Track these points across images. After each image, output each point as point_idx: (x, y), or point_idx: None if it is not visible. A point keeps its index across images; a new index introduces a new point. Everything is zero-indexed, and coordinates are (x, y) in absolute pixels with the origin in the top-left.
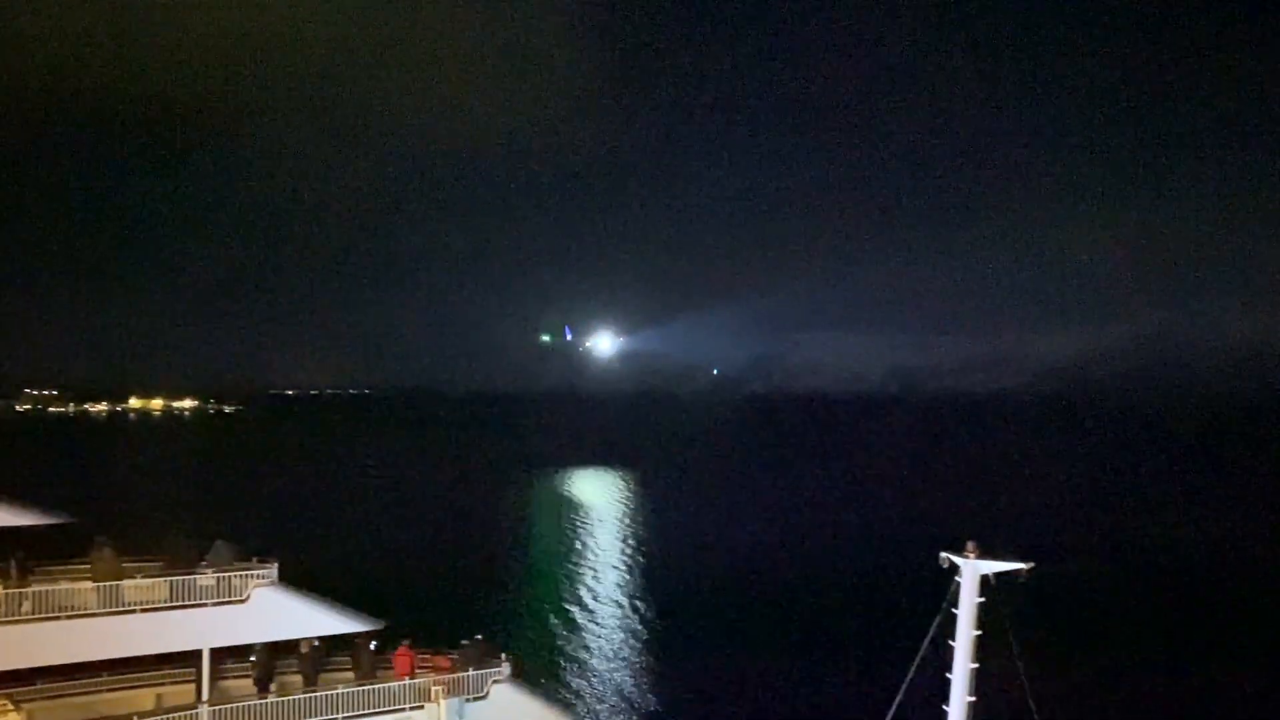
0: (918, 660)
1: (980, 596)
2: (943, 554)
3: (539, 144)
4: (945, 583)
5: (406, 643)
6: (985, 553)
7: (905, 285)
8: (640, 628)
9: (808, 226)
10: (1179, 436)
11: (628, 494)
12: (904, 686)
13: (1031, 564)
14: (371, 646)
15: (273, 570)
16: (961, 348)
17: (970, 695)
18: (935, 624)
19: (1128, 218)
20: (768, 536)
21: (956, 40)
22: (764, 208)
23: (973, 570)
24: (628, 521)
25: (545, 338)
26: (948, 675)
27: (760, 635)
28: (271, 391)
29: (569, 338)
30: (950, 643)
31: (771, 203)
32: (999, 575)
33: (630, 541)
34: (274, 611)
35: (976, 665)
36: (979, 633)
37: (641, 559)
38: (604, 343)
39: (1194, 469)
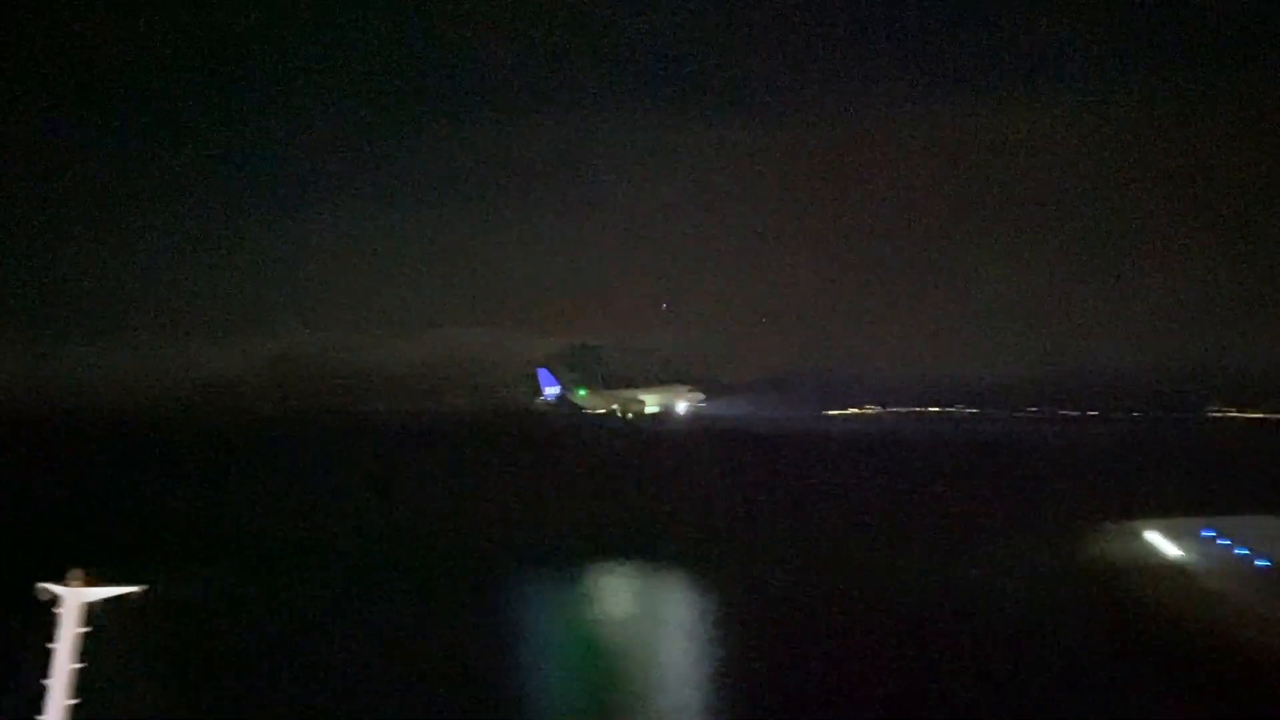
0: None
1: (86, 626)
2: (40, 585)
3: None
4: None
5: None
6: (97, 579)
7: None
8: None
9: None
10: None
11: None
12: None
13: (145, 586)
14: None
15: None
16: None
17: None
18: (32, 660)
19: None
20: None
21: None
22: None
23: (76, 599)
24: None
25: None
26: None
27: None
28: None
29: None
30: (45, 682)
31: None
32: (110, 601)
33: None
34: None
35: (78, 701)
36: (83, 665)
37: None
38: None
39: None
